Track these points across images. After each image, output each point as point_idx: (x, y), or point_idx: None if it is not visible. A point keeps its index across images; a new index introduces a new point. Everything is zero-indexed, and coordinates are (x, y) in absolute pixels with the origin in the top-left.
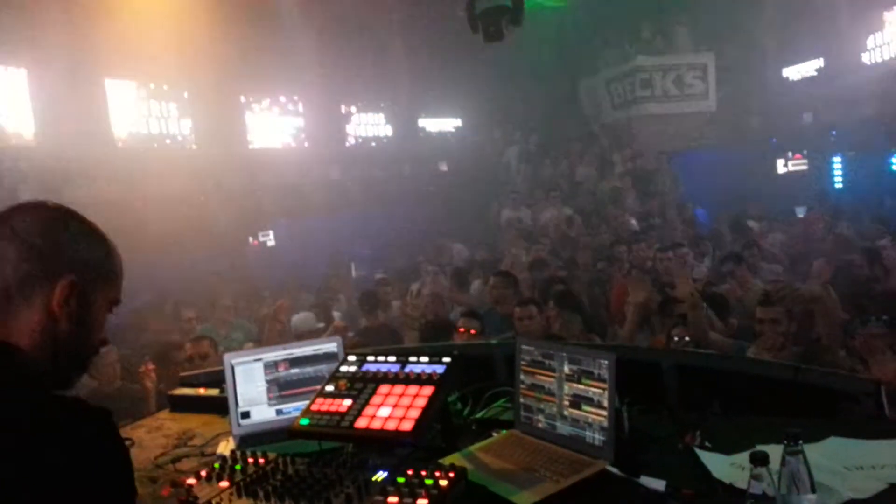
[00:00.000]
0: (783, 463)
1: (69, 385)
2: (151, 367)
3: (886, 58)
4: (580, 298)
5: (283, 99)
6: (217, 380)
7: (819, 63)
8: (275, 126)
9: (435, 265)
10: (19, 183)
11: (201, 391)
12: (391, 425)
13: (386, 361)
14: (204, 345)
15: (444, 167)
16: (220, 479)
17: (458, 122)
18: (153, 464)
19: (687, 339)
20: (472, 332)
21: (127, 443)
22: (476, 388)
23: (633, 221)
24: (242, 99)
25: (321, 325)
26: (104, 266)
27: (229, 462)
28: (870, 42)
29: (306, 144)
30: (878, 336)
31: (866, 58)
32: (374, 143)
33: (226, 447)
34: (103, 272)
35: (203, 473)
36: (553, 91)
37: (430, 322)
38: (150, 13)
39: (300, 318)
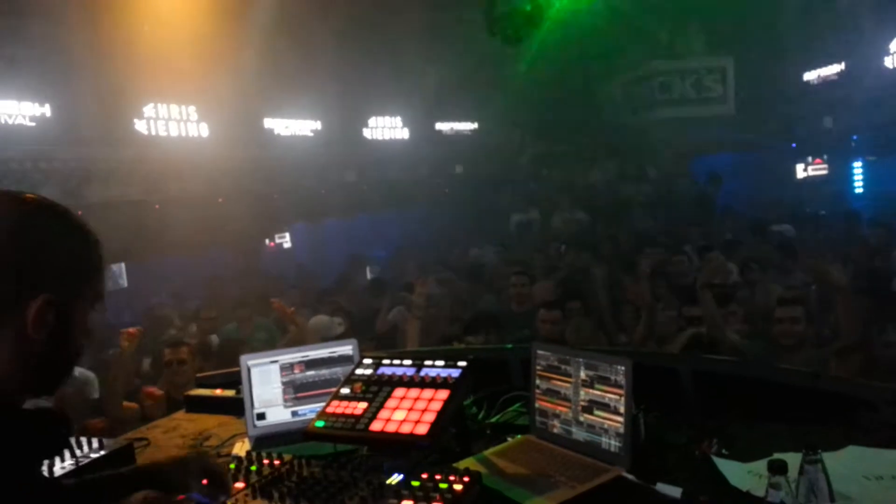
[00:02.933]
0: (801, 471)
1: (54, 391)
2: (133, 330)
3: None
4: (594, 300)
5: (301, 101)
6: (233, 381)
7: (840, 67)
8: (292, 129)
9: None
10: (40, 184)
11: (217, 392)
12: (406, 429)
13: (401, 365)
14: (182, 351)
15: (459, 170)
16: (235, 479)
17: (474, 126)
18: None
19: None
20: None
21: (143, 443)
22: (491, 393)
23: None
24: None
25: (342, 328)
26: (82, 266)
27: (245, 463)
28: (892, 46)
29: (323, 147)
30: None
31: (889, 62)
32: (390, 146)
33: (241, 448)
34: (82, 274)
35: None
36: (571, 94)
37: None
38: (173, 16)
39: (317, 322)
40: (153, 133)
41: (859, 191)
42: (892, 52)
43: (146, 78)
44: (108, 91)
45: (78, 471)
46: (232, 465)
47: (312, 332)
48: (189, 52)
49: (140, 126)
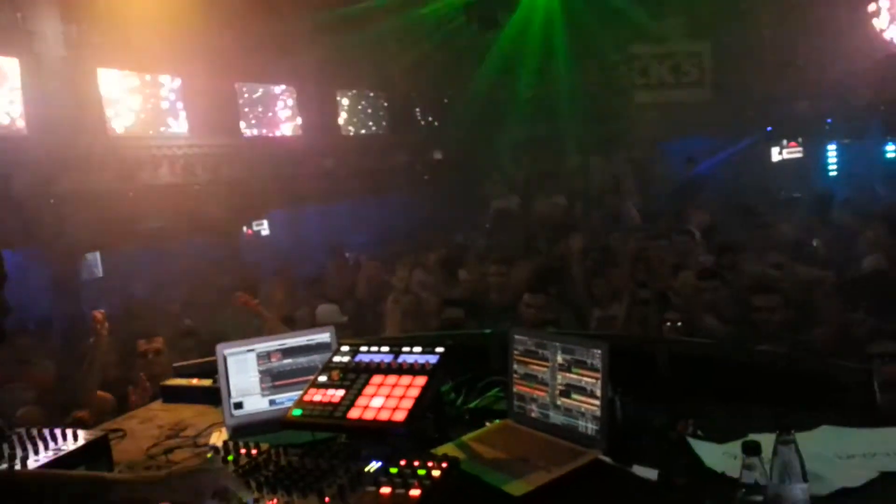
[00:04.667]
0: (775, 452)
1: None
2: (101, 313)
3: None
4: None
5: (277, 88)
6: (210, 370)
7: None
8: (268, 115)
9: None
10: (11, 173)
11: (194, 381)
12: (384, 416)
13: (379, 352)
14: (157, 341)
15: (438, 156)
16: None
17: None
18: (145, 455)
19: (679, 324)
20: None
21: (118, 434)
22: (469, 378)
23: (635, 210)
24: (237, 87)
25: (345, 318)
26: None
27: (222, 453)
28: (863, 31)
29: (301, 133)
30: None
31: (860, 46)
32: (367, 132)
33: (218, 438)
34: None
35: None
36: (549, 78)
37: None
38: (143, 9)
39: (324, 311)
40: (127, 120)
41: (833, 173)
42: (863, 36)
43: (118, 63)
44: (77, 76)
45: (55, 462)
46: (209, 455)
47: (320, 320)
48: (164, 35)
49: (112, 113)
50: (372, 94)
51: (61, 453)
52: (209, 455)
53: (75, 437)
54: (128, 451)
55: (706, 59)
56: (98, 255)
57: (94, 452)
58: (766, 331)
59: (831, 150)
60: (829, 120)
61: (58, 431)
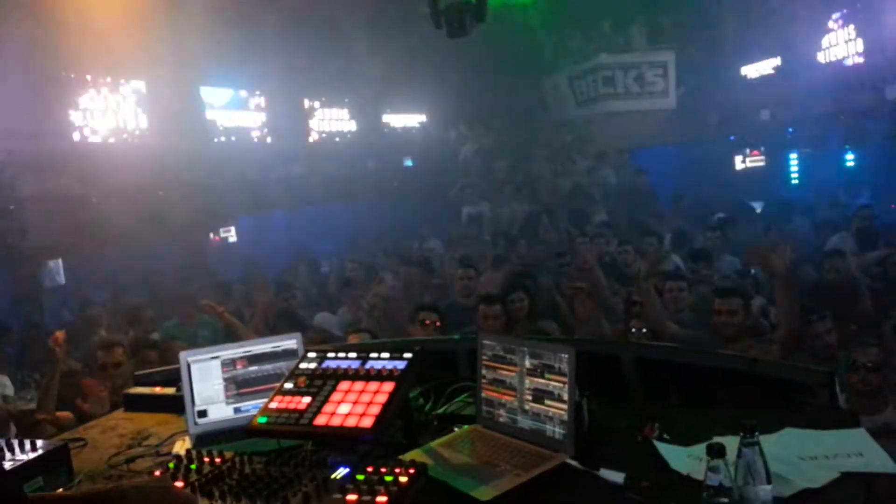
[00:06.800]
0: (739, 454)
1: None
2: (61, 334)
3: (840, 57)
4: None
5: (245, 93)
6: (173, 378)
7: (776, 62)
8: (236, 120)
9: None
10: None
11: (157, 390)
12: (351, 422)
13: (346, 358)
14: (117, 353)
15: (408, 163)
16: (174, 479)
17: (422, 118)
18: (106, 464)
19: (644, 330)
20: (437, 324)
21: (79, 443)
22: (438, 384)
23: (603, 216)
24: (203, 93)
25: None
26: None
27: (184, 462)
28: (824, 42)
29: (269, 139)
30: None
31: (821, 57)
32: (337, 139)
33: (182, 447)
34: None
35: (157, 474)
36: (517, 87)
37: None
38: (109, 4)
39: (321, 318)
40: (89, 124)
41: (795, 181)
42: (824, 47)
43: (82, 67)
44: (41, 80)
45: (10, 473)
46: (171, 465)
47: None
48: (130, 39)
49: (76, 117)
50: (347, 100)
51: (19, 463)
52: (171, 464)
53: (34, 447)
54: (89, 460)
55: (671, 69)
56: (60, 262)
57: (54, 462)
58: (727, 335)
59: (793, 159)
60: (790, 129)
61: (15, 441)
